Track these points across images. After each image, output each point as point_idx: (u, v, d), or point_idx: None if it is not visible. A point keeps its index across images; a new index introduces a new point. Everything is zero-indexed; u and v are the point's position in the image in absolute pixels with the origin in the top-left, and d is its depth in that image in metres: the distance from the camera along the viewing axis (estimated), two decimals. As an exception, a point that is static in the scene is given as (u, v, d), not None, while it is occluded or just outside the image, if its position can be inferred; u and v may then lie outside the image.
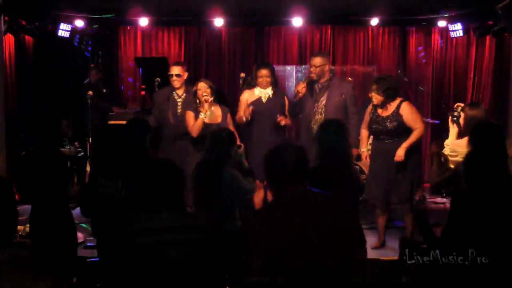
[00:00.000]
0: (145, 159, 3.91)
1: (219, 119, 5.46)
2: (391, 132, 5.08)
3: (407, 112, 5.06)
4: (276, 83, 5.83)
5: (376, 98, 5.12)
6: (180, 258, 2.66)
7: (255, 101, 5.68)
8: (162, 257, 2.66)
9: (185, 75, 5.74)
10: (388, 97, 5.08)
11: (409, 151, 5.04)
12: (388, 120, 5.09)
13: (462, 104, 5.01)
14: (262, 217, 2.57)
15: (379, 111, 5.15)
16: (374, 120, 5.17)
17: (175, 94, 5.70)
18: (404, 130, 5.06)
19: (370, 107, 5.32)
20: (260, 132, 5.65)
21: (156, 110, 5.83)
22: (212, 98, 5.34)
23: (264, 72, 5.63)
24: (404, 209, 5.36)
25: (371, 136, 5.44)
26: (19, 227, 5.10)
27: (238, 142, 5.52)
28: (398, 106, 5.07)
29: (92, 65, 8.37)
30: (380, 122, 5.12)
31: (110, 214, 3.70)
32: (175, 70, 5.68)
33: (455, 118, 4.75)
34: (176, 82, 5.66)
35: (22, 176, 4.40)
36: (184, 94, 5.69)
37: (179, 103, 5.67)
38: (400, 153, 5.00)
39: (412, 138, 5.02)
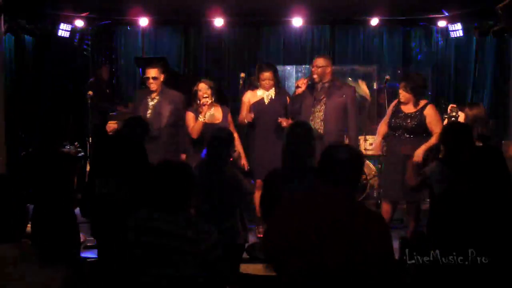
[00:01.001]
0: (144, 158, 3.91)
1: (219, 119, 5.46)
2: (410, 130, 5.12)
3: (432, 115, 5.09)
4: (279, 83, 5.83)
5: (404, 95, 5.15)
6: (174, 264, 2.65)
7: (257, 102, 5.68)
8: (156, 260, 2.66)
9: (162, 77, 5.55)
10: (416, 95, 5.11)
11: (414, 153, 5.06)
12: (410, 118, 5.12)
13: (455, 105, 5.03)
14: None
15: (403, 107, 5.19)
16: (396, 115, 5.20)
17: (148, 97, 5.54)
18: (423, 131, 5.10)
19: (394, 102, 5.33)
20: (262, 132, 5.66)
21: (138, 109, 5.63)
22: (211, 101, 5.32)
23: (266, 75, 5.62)
24: (409, 208, 5.36)
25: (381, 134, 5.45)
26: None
27: (238, 143, 5.55)
28: (423, 107, 5.11)
29: (103, 62, 8.36)
30: (402, 118, 5.16)
31: (109, 214, 3.70)
32: (152, 72, 5.49)
33: (453, 119, 4.76)
34: (153, 85, 5.48)
35: (22, 176, 4.39)
36: (157, 97, 5.53)
37: (150, 107, 5.52)
38: (418, 153, 5.02)
39: (432, 141, 5.05)
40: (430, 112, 5.11)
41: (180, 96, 5.69)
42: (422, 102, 5.16)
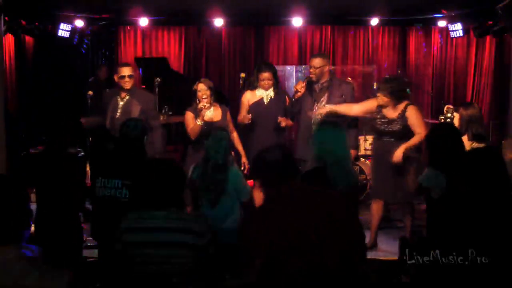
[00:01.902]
0: (143, 158, 3.91)
1: (219, 118, 5.47)
2: (395, 134, 5.07)
3: (413, 116, 5.03)
4: (278, 83, 5.81)
5: (382, 99, 5.07)
6: (177, 259, 2.66)
7: (256, 102, 5.68)
8: (158, 257, 2.67)
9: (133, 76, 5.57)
10: (395, 99, 5.04)
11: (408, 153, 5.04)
12: (394, 122, 5.07)
13: (451, 106, 5.01)
14: (260, 216, 2.58)
15: (385, 112, 5.11)
16: (380, 121, 5.15)
17: (118, 97, 5.49)
18: (408, 133, 5.05)
19: (374, 102, 5.26)
20: (261, 132, 5.65)
21: (101, 110, 5.57)
22: (208, 104, 5.31)
23: (265, 75, 5.61)
24: (404, 209, 5.35)
25: (372, 136, 5.43)
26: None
27: (238, 142, 5.56)
28: (405, 109, 5.04)
29: (103, 62, 8.35)
30: (386, 123, 5.10)
31: (110, 214, 3.70)
32: (127, 71, 5.47)
33: (448, 120, 4.74)
34: (128, 84, 5.44)
35: (23, 176, 4.37)
36: (127, 97, 5.49)
37: (120, 107, 5.47)
38: (398, 154, 4.99)
39: (413, 141, 5.01)
40: (411, 113, 5.02)
41: (151, 96, 5.69)
42: (402, 105, 5.05)
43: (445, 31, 8.33)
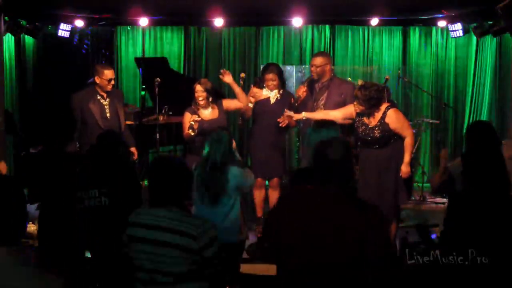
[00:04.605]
0: (120, 165, 3.90)
1: (216, 116, 5.50)
2: (380, 140, 5.03)
3: (393, 120, 4.99)
4: (284, 84, 5.84)
5: (358, 107, 5.03)
6: (170, 259, 2.66)
7: (262, 100, 5.72)
8: (153, 255, 2.67)
9: None
10: (371, 107, 4.99)
11: (388, 160, 5.02)
12: (376, 130, 5.02)
13: None
14: (274, 213, 2.61)
15: (366, 120, 5.06)
16: (362, 131, 5.09)
17: (99, 98, 5.51)
18: (391, 137, 5.02)
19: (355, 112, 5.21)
20: (263, 131, 5.69)
21: (78, 113, 5.50)
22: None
23: (269, 76, 5.67)
24: (389, 214, 5.30)
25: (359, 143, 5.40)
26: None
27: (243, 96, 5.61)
28: (384, 115, 5.00)
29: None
30: (368, 132, 5.05)
31: (94, 224, 3.73)
32: (112, 74, 5.53)
33: None
34: (111, 86, 5.52)
35: (22, 176, 4.37)
36: (109, 97, 5.55)
37: (106, 107, 5.51)
38: (406, 170, 4.98)
39: (409, 148, 4.99)
40: (391, 119, 4.98)
41: (122, 92, 5.97)
42: (380, 111, 5.00)
43: (445, 31, 8.33)
